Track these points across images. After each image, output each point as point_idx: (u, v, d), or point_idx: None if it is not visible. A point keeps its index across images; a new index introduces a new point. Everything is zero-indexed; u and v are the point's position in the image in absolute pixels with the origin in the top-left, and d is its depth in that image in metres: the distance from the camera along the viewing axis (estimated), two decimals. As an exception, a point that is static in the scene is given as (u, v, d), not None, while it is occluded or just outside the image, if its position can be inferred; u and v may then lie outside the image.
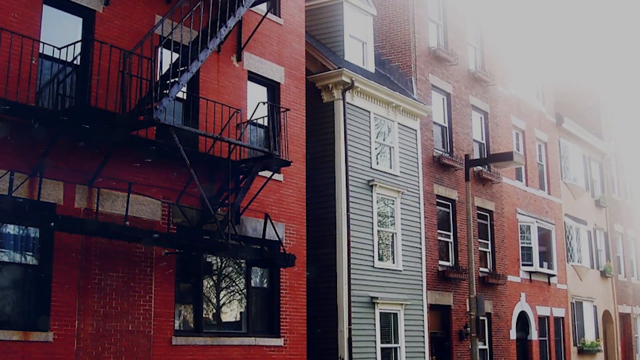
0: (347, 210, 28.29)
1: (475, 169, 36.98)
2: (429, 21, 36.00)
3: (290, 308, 25.34)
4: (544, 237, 43.26)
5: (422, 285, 31.91)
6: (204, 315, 22.78)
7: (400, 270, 30.80)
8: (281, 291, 25.13)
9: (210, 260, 23.41)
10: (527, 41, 45.56)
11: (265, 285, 25.20)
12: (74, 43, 19.17)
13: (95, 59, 19.55)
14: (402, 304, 30.40)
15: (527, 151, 43.41)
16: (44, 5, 19.18)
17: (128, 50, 19.48)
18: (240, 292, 24.24)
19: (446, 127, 36.07)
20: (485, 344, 36.43)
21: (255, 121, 24.55)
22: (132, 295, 20.35)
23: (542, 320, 42.38)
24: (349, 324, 27.70)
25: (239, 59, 24.56)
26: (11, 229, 18.24)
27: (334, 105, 28.92)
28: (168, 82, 19.96)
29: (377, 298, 29.09)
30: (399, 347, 30.26)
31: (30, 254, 18.70)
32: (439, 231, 34.18)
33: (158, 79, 20.06)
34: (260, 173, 23.48)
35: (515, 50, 43.99)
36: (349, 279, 27.90)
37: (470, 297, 26.16)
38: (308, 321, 26.17)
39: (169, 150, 20.59)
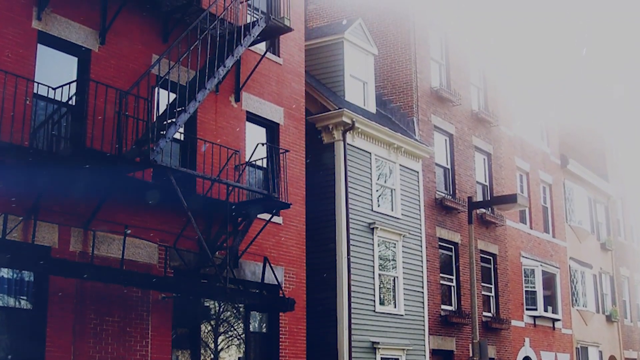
0: (348, 254, 27.93)
1: (478, 211, 36.65)
2: (431, 61, 35.81)
3: (290, 353, 24.94)
4: (549, 281, 42.85)
5: (424, 330, 31.47)
6: (201, 361, 22.39)
7: (402, 315, 30.37)
8: (280, 336, 24.75)
9: (208, 304, 23.09)
10: (531, 81, 45.40)
11: (264, 330, 24.82)
12: (69, 83, 18.96)
13: (90, 99, 19.28)
14: (403, 349, 29.94)
15: (531, 193, 43.09)
16: (39, 45, 18.95)
17: (124, 90, 19.24)
18: (238, 337, 23.86)
19: (449, 169, 35.80)
20: (489, 390, 35.94)
21: (254, 163, 24.30)
22: (128, 340, 19.97)
23: (547, 365, 41.93)
24: (350, 369, 27.30)
25: (238, 99, 24.33)
26: (5, 272, 17.89)
27: (334, 146, 28.63)
28: (165, 122, 19.73)
29: (378, 343, 28.64)
30: (402, 393, 29.85)
31: (25, 298, 18.38)
32: (441, 275, 33.80)
33: (155, 119, 19.84)
34: (259, 216, 23.10)
35: (519, 90, 43.81)
36: (350, 323, 27.49)
37: (473, 342, 25.80)
38: (308, 367, 25.80)
39: (166, 192, 20.24)
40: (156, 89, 19.75)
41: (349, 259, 27.92)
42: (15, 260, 17.29)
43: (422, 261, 32.03)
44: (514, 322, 38.67)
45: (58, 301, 18.46)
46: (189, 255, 21.70)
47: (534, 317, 40.95)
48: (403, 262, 30.84)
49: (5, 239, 17.28)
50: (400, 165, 31.50)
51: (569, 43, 69.43)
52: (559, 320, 43.16)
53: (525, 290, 40.82)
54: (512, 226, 40.22)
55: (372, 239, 29.38)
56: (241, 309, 23.95)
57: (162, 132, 19.47)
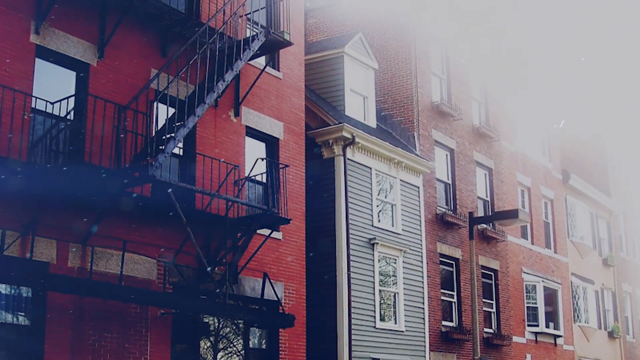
0: (348, 270, 27.78)
1: (479, 226, 36.51)
2: (432, 75, 35.72)
3: (290, 370, 24.79)
4: (550, 297, 42.68)
5: (424, 346, 31.29)
6: (200, 378, 22.23)
7: (403, 331, 30.19)
8: (280, 352, 24.57)
9: (207, 320, 22.92)
10: (532, 96, 45.29)
11: (263, 347, 24.65)
12: (67, 97, 18.86)
13: (89, 114, 19.18)
14: (405, 365, 29.81)
15: (532, 208, 42.95)
16: (37, 59, 18.86)
17: (123, 104, 19.12)
18: (238, 354, 23.68)
19: (449, 184, 35.67)
20: (490, 406, 35.74)
21: (253, 178, 24.14)
22: (127, 356, 19.81)
23: (548, 381, 41.72)
24: (351, 386, 27.12)
25: (237, 114, 24.22)
26: (3, 288, 17.75)
27: (334, 162, 28.51)
28: (164, 137, 19.61)
29: (378, 359, 28.42)
30: (402, 409, 29.66)
31: (23, 314, 18.23)
32: (442, 291, 33.63)
33: (154, 134, 19.72)
34: (258, 231, 22.96)
35: (520, 105, 43.70)
36: (350, 339, 27.31)
37: (474, 358, 25.59)
38: (308, 383, 25.62)
39: (165, 207, 20.11)
40: (155, 103, 19.65)
41: (349, 275, 27.76)
42: (13, 276, 17.20)
43: (422, 277, 31.87)
44: (515, 338, 38.47)
45: (56, 317, 18.31)
46: (188, 271, 21.55)
47: (536, 333, 40.75)
48: (404, 277, 30.67)
49: (3, 255, 17.15)
50: (400, 180, 31.37)
51: (571, 57, 69.44)
52: (560, 336, 42.96)
53: (527, 306, 40.66)
54: (513, 242, 40.06)
55: (373, 255, 29.22)
56: (241, 325, 23.78)
57: (161, 147, 19.36)
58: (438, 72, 36.53)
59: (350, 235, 28.20)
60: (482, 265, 36.63)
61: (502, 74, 41.89)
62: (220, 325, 23.46)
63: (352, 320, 27.61)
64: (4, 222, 17.39)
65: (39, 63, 18.96)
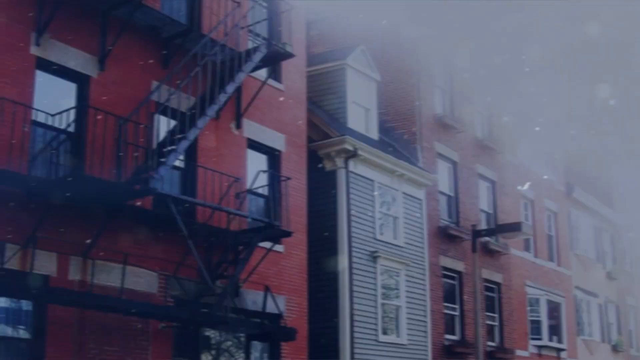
0: (350, 282, 27.65)
1: (482, 239, 36.34)
2: (434, 87, 35.65)
3: (292, 384, 24.67)
4: (554, 310, 42.56)
5: (427, 359, 31.13)
6: (201, 392, 22.11)
7: (405, 345, 30.05)
8: (282, 366, 24.47)
9: (208, 334, 22.81)
10: (535, 108, 45.16)
11: (265, 360, 24.55)
12: (68, 110, 18.81)
13: (90, 126, 19.09)
14: (408, 379, 29.67)
15: (536, 221, 42.84)
16: (37, 71, 18.80)
17: (124, 116, 19.02)
18: (239, 367, 23.60)
19: (453, 197, 35.58)
20: (494, 420, 35.60)
21: (255, 190, 24.03)
22: (127, 370, 19.71)
23: (552, 395, 41.57)
24: (353, 400, 26.99)
25: (239, 126, 24.14)
26: (3, 301, 17.68)
27: (336, 174, 28.40)
28: (165, 150, 19.54)
29: (382, 373, 28.37)
30: (405, 423, 29.50)
31: (23, 327, 18.14)
32: (445, 304, 33.50)
33: (155, 146, 19.64)
34: (260, 244, 22.79)
35: (523, 117, 43.57)
36: (352, 352, 27.19)
37: (478, 372, 25.51)
38: (310, 398, 25.50)
39: (166, 220, 20.03)
40: (156, 115, 19.59)
41: (351, 288, 27.64)
42: (13, 289, 17.13)
43: (425, 290, 31.73)
44: (518, 352, 38.30)
45: (57, 330, 18.21)
46: (190, 284, 21.42)
47: (539, 347, 40.64)
48: (406, 291, 30.53)
49: (3, 268, 17.07)
50: (403, 193, 31.26)
51: (576, 71, 69.40)
52: (564, 350, 42.82)
53: (530, 320, 40.54)
54: (516, 255, 39.95)
55: (375, 268, 29.10)
56: (242, 339, 23.66)
57: (162, 160, 19.31)
58: (441, 84, 36.45)
59: (353, 248, 28.08)
60: (485, 279, 36.49)
61: (505, 86, 41.81)
62: (222, 339, 23.36)
63: (354, 333, 27.47)
64: (4, 235, 17.31)
65: (40, 75, 18.90)
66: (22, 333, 18.11)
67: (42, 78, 18.97)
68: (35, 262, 17.74)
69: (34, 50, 18.71)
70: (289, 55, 24.47)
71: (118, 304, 18.88)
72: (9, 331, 17.85)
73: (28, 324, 18.18)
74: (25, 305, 18.11)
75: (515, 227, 26.12)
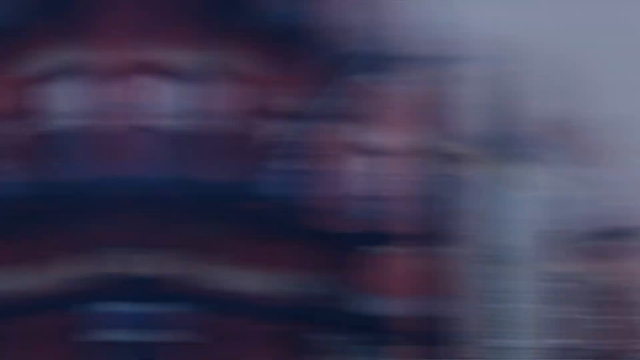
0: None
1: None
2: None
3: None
4: None
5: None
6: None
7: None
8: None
9: (316, 337, 22.55)
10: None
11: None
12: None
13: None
14: None
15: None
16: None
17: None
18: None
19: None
20: None
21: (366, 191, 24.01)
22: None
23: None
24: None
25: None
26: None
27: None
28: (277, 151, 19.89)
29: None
30: None
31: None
32: None
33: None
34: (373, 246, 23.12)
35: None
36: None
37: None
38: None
39: (278, 223, 20.45)
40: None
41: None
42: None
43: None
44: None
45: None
46: (301, 286, 21.41)
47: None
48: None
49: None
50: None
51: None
52: None
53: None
54: None
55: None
56: (354, 344, 23.39)
57: (275, 162, 19.72)
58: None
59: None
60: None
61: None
62: (330, 344, 23.19)
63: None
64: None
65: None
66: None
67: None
68: (165, 267, 18.39)
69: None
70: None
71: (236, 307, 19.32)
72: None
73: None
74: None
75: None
